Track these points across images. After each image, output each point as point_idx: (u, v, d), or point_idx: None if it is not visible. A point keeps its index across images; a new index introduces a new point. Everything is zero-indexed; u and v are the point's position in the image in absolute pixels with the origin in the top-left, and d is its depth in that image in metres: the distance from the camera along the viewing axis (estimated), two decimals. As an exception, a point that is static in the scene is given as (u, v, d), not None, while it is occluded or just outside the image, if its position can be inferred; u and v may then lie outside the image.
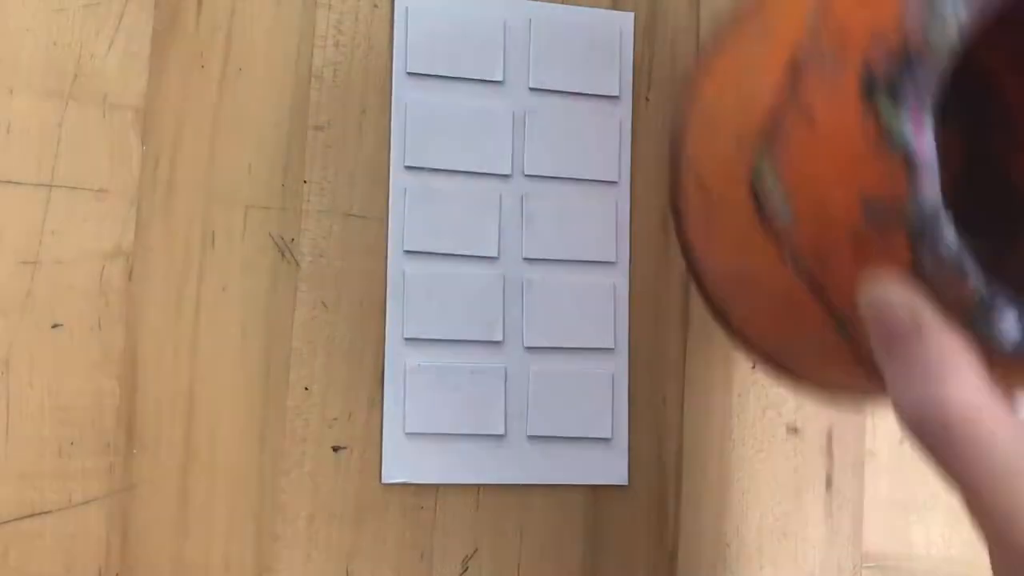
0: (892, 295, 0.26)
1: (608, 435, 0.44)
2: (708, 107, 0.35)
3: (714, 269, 0.35)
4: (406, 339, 0.43)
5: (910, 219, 0.26)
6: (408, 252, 0.43)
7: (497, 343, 0.43)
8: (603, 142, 0.45)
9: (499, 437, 0.43)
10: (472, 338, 0.43)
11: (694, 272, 0.37)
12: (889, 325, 0.26)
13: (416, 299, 0.43)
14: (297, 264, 0.42)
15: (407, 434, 0.42)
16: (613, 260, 0.45)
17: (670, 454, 0.45)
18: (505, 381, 0.43)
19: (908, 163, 0.26)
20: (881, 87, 0.26)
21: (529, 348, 0.44)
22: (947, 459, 0.25)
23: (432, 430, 0.42)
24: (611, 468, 0.44)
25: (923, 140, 0.26)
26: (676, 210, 0.37)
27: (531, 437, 0.43)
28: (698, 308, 0.45)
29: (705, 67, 0.36)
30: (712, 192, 0.33)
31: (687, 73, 0.43)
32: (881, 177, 0.26)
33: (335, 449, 0.42)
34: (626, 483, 0.44)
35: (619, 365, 0.44)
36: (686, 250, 0.37)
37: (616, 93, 0.45)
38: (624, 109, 0.45)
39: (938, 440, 0.25)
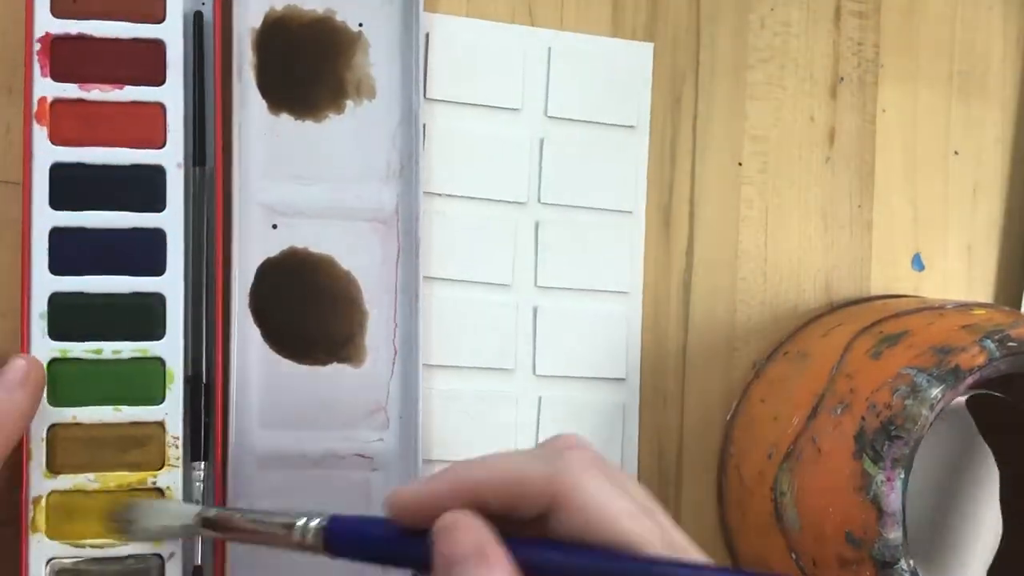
0: (461, 521, 0.27)
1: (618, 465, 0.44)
2: (752, 411, 0.43)
3: (743, 553, 0.43)
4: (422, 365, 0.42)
5: (876, 554, 0.34)
6: (424, 277, 0.43)
7: (508, 370, 0.43)
8: (619, 171, 0.45)
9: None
10: (483, 365, 0.43)
11: (731, 552, 0.45)
12: (455, 547, 0.27)
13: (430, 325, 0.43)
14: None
15: (424, 461, 0.42)
16: (626, 290, 0.45)
17: (670, 481, 0.45)
18: (516, 409, 0.43)
19: (878, 510, 0.34)
20: (867, 446, 0.35)
21: (540, 376, 0.44)
22: None
23: (446, 457, 0.43)
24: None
25: (892, 495, 0.34)
26: (720, 495, 0.45)
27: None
28: (696, 346, 0.46)
29: (757, 374, 0.45)
30: (746, 483, 0.42)
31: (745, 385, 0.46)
32: (859, 515, 0.34)
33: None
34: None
35: (630, 395, 0.44)
36: (726, 533, 0.44)
37: (633, 123, 0.45)
38: (641, 139, 0.45)
39: None
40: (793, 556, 0.38)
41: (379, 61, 0.43)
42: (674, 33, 0.47)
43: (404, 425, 0.41)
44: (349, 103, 0.42)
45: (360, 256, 0.42)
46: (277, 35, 0.42)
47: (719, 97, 0.47)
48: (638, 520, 0.27)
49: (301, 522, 0.30)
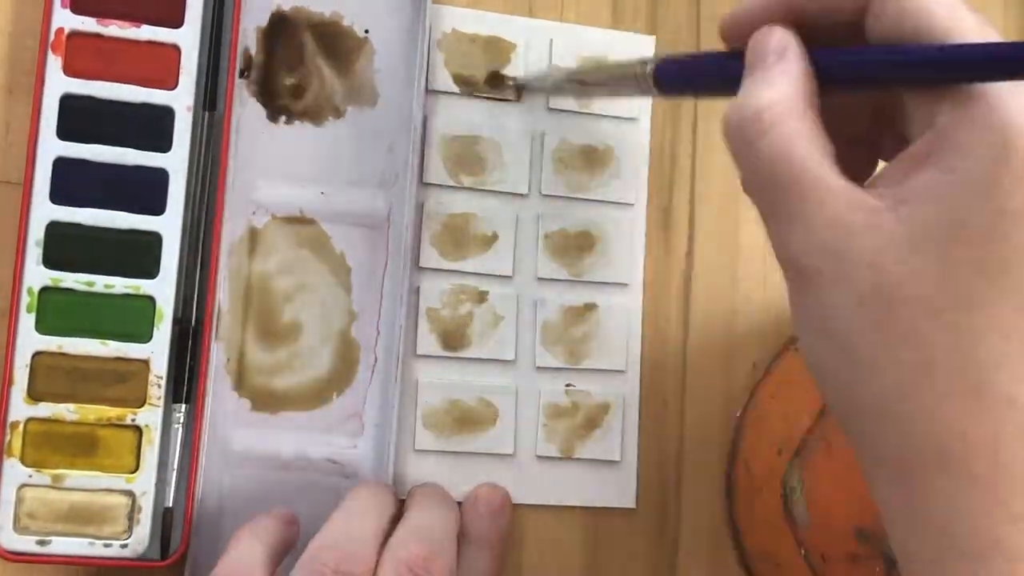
0: (770, 29, 0.29)
1: (617, 458, 0.44)
2: (762, 406, 0.43)
3: (751, 548, 0.43)
4: (417, 355, 0.42)
5: (887, 550, 0.34)
6: (422, 268, 0.43)
7: (509, 362, 0.43)
8: (621, 164, 0.45)
9: (508, 456, 0.43)
10: (484, 356, 0.43)
11: (739, 550, 0.44)
12: (758, 45, 0.29)
13: (428, 315, 0.43)
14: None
15: (416, 451, 0.42)
16: (627, 282, 0.45)
17: (671, 478, 0.45)
18: (516, 400, 0.43)
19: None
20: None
21: (540, 368, 0.44)
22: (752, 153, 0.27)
23: (441, 448, 0.42)
24: (620, 491, 0.44)
25: None
26: (729, 492, 0.44)
27: (540, 457, 0.43)
28: (696, 346, 0.46)
29: (767, 370, 0.45)
30: (755, 478, 0.42)
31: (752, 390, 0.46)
32: (870, 511, 0.34)
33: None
34: (634, 506, 0.44)
35: (630, 387, 0.44)
36: (734, 532, 0.44)
37: (635, 115, 0.45)
38: (643, 131, 0.45)
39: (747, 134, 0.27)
40: (802, 552, 0.38)
41: (383, 68, 0.43)
42: (674, 30, 0.47)
43: (379, 433, 0.41)
44: (349, 108, 0.42)
45: (349, 260, 0.42)
46: (282, 35, 0.42)
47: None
48: (952, 11, 0.26)
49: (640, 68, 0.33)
